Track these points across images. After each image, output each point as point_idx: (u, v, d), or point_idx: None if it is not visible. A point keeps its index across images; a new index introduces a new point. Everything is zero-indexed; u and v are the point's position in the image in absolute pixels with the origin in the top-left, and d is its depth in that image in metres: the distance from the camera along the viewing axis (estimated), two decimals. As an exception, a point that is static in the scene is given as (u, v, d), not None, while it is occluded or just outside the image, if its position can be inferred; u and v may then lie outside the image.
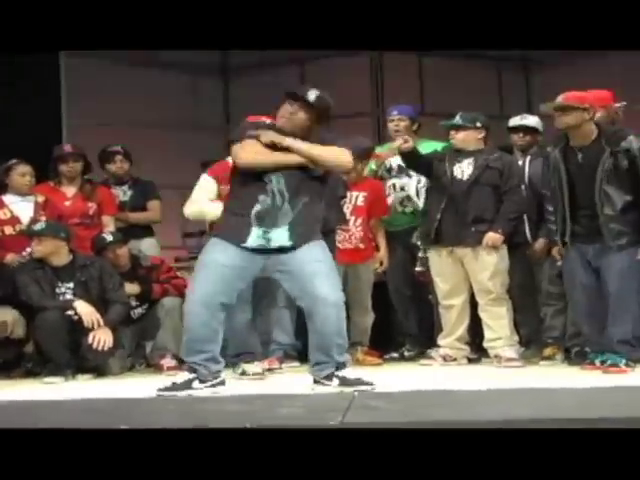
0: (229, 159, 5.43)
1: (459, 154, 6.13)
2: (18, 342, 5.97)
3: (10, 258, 6.13)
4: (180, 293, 6.34)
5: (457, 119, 6.14)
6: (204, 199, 5.77)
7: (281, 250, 4.62)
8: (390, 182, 6.74)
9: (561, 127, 5.44)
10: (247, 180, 4.65)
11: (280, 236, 4.60)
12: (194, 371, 4.63)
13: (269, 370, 5.82)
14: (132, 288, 6.24)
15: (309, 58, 8.87)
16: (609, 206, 5.34)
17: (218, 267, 4.59)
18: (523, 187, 6.15)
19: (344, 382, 4.56)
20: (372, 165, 6.75)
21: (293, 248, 4.61)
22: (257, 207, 4.59)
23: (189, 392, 4.56)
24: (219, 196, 5.69)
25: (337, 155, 4.69)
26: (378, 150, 6.88)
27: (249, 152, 4.64)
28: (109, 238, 6.31)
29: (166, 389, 4.61)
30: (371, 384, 4.58)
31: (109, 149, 7.01)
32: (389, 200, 6.71)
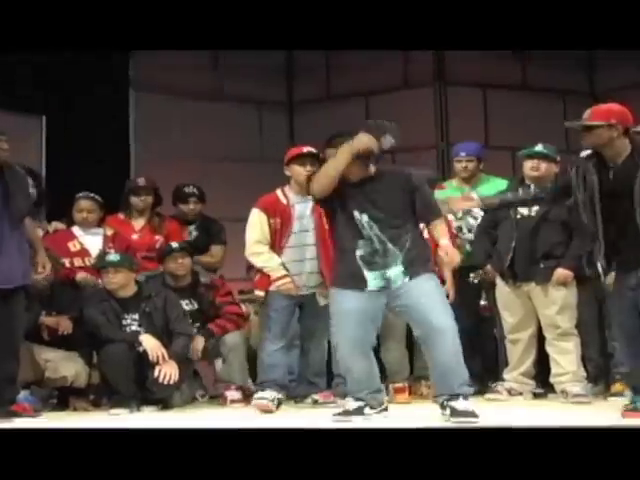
0: (277, 191, 5.81)
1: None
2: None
3: (80, 276, 6.19)
4: (236, 323, 6.34)
5: (542, 148, 6.03)
6: (267, 250, 5.78)
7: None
8: (457, 224, 6.69)
9: (588, 146, 5.08)
10: (342, 224, 4.95)
11: (397, 276, 4.89)
12: (362, 401, 5.00)
13: (322, 404, 5.87)
14: (197, 342, 6.20)
15: (374, 91, 8.91)
16: None
17: (350, 315, 4.92)
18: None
19: (454, 413, 4.77)
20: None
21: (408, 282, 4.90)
22: (359, 252, 4.90)
23: (362, 417, 4.94)
24: (271, 230, 5.76)
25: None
26: (449, 190, 6.83)
27: (314, 182, 5.00)
28: (175, 245, 6.35)
29: (340, 414, 4.98)
30: (476, 416, 4.73)
31: (185, 189, 6.93)
32: (457, 241, 6.65)
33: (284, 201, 5.81)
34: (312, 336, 5.93)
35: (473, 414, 4.74)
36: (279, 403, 5.67)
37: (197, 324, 6.34)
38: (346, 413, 4.97)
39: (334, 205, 4.98)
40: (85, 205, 6.41)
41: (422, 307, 4.84)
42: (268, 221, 5.78)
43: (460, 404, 4.80)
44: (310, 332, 5.92)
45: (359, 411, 4.95)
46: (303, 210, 5.78)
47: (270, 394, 5.65)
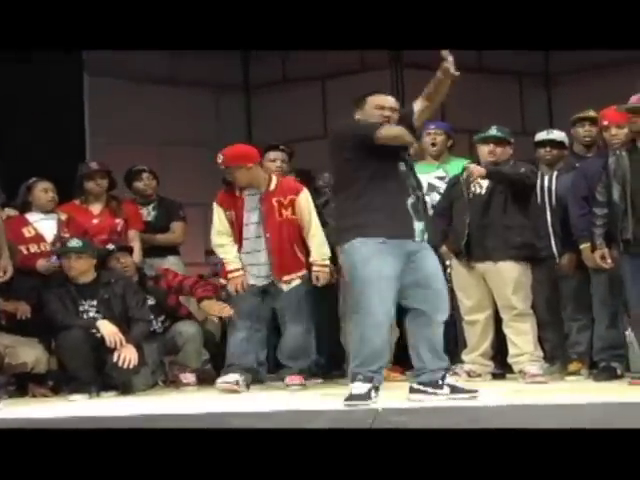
0: None
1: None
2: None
3: (40, 264, 6.12)
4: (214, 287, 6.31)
5: (496, 132, 6.07)
6: (229, 241, 5.94)
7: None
8: None
9: (637, 129, 5.35)
10: (392, 175, 4.77)
11: (421, 233, 4.81)
12: (370, 380, 4.69)
13: (287, 386, 5.90)
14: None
15: (330, 75, 8.90)
16: None
17: (386, 281, 4.69)
18: (548, 201, 6.13)
19: (454, 390, 4.79)
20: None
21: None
22: (410, 200, 4.78)
23: (371, 402, 4.61)
24: (229, 222, 5.93)
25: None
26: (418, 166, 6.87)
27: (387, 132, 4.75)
28: (111, 247, 6.27)
29: (351, 398, 4.63)
30: (475, 391, 4.81)
31: (135, 168, 7.01)
32: None
33: (236, 192, 5.96)
34: (283, 319, 6.03)
35: (472, 390, 4.81)
36: (247, 385, 5.77)
37: (160, 318, 6.33)
38: (356, 397, 4.63)
39: (385, 155, 4.78)
40: (48, 185, 6.36)
41: (431, 273, 4.84)
42: (225, 213, 5.95)
43: (453, 381, 4.86)
44: (281, 315, 6.02)
45: (368, 395, 4.63)
46: (253, 202, 5.90)
47: (232, 377, 5.73)
